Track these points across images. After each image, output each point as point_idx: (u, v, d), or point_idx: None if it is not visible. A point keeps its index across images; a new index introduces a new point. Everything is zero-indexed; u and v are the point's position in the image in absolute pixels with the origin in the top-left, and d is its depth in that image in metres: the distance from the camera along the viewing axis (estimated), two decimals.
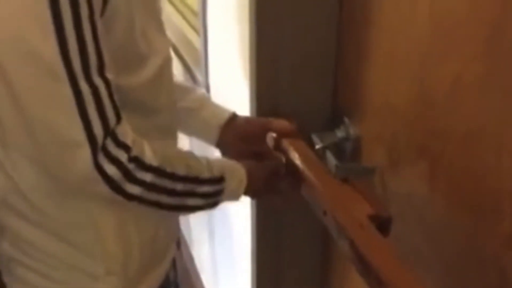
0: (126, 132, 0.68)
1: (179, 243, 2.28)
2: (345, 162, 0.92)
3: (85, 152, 0.65)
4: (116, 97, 0.67)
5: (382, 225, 0.78)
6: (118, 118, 0.67)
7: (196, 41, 1.64)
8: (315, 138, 0.98)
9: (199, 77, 1.51)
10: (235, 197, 0.86)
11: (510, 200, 0.65)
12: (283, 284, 1.23)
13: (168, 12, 2.08)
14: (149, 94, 0.75)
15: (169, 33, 1.92)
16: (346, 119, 1.00)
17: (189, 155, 0.82)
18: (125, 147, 0.68)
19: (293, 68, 1.01)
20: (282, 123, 0.95)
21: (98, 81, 0.63)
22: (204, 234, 1.93)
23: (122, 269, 0.83)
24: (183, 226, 2.27)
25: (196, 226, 2.09)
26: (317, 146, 0.97)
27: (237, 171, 0.84)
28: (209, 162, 0.82)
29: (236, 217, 1.43)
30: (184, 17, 1.92)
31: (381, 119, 0.91)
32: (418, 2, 0.75)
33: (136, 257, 0.84)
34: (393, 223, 0.80)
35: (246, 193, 0.88)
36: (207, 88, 1.45)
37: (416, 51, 0.77)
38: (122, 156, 0.68)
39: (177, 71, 1.83)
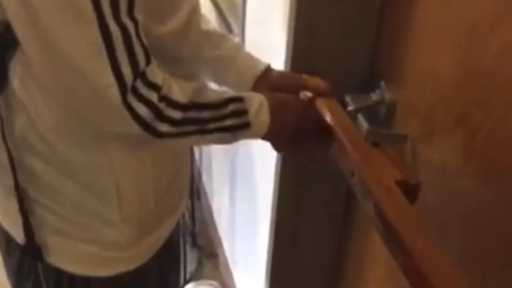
0: (155, 71, 0.67)
1: (199, 194, 2.30)
2: (376, 127, 0.90)
3: (114, 92, 0.64)
4: (144, 38, 0.65)
5: (410, 191, 0.76)
6: (148, 59, 0.66)
7: None
8: (348, 99, 0.96)
9: (235, 27, 1.48)
10: (262, 121, 0.80)
11: None
12: (300, 245, 1.23)
13: None
14: (175, 43, 0.74)
15: None
16: (382, 83, 0.97)
17: (209, 85, 0.81)
18: (155, 87, 0.67)
19: (333, 25, 0.98)
20: (317, 82, 0.92)
21: (127, 21, 0.62)
22: (225, 188, 1.94)
23: (137, 216, 0.83)
24: (205, 176, 2.29)
25: (217, 178, 2.10)
26: (350, 108, 0.95)
27: (253, 94, 0.82)
28: (225, 90, 0.81)
29: (259, 174, 1.43)
30: None
31: (420, 86, 0.88)
32: None
33: (151, 204, 0.84)
34: (422, 192, 0.78)
35: (273, 117, 0.81)
36: (243, 39, 1.42)
37: (465, 19, 0.73)
38: (153, 96, 0.67)
39: (211, 18, 1.81)
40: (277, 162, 1.13)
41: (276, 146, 0.90)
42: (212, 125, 0.75)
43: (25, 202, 0.80)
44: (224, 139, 0.79)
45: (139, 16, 0.64)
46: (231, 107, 0.76)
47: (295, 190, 1.16)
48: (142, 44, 0.65)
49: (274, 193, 1.16)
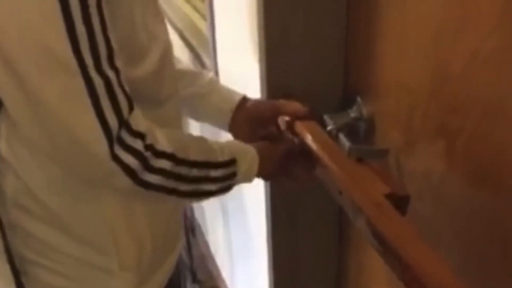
0: (139, 119, 0.68)
1: (194, 230, 2.29)
2: (358, 143, 0.90)
3: (102, 145, 0.64)
4: (127, 86, 0.66)
5: (400, 203, 0.76)
6: (131, 107, 0.66)
7: (203, 25, 1.62)
8: (327, 119, 0.97)
9: (207, 61, 1.50)
10: (248, 179, 0.85)
11: None
12: (299, 266, 1.23)
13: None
14: (152, 86, 0.74)
15: (175, 18, 1.91)
16: (358, 99, 0.98)
17: (200, 139, 0.81)
18: (140, 135, 0.67)
19: (303, 47, 0.99)
20: (294, 106, 0.94)
21: (109, 71, 0.62)
22: (219, 219, 1.93)
23: (136, 263, 0.82)
24: (197, 214, 2.28)
25: (210, 212, 2.10)
26: (329, 127, 0.96)
27: (248, 152, 0.84)
28: (220, 146, 0.81)
29: (250, 200, 1.43)
30: (189, 1, 1.91)
31: (395, 98, 0.89)
32: None
33: (149, 250, 0.83)
34: (411, 203, 0.79)
35: (260, 174, 0.87)
36: (216, 72, 1.44)
37: (430, 27, 0.75)
38: (138, 145, 0.67)
39: (184, 57, 1.82)
40: (266, 187, 1.13)
41: (263, 178, 0.92)
42: (201, 186, 0.76)
43: (16, 263, 0.79)
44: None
45: (120, 64, 0.64)
46: (221, 171, 0.78)
47: (288, 212, 1.16)
48: (125, 92, 0.65)
49: (267, 217, 1.16)
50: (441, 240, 0.82)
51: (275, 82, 1.02)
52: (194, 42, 1.65)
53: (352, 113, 0.99)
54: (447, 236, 0.81)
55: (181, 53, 1.83)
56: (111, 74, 0.63)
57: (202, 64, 1.54)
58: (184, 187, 0.74)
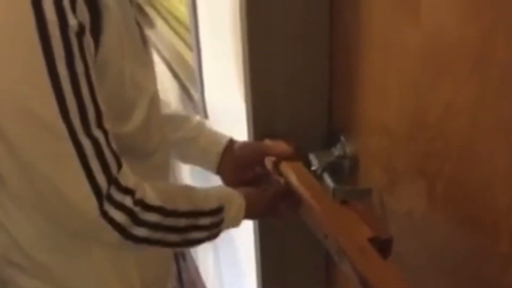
0: (127, 176, 0.69)
1: (184, 255, 2.29)
2: (342, 183, 0.93)
3: (91, 203, 0.65)
4: (114, 144, 0.68)
5: (383, 246, 0.79)
6: (119, 164, 0.68)
7: (190, 57, 1.64)
8: (312, 157, 1.00)
9: (195, 95, 1.52)
10: (235, 224, 0.87)
11: (507, 220, 0.66)
12: (288, 281, 1.24)
13: (161, 28, 2.09)
14: (140, 139, 0.76)
15: (163, 49, 1.93)
16: (342, 138, 1.01)
17: (187, 188, 0.83)
18: (129, 191, 0.69)
19: (288, 87, 1.02)
20: (280, 147, 0.96)
21: (97, 133, 0.64)
22: (209, 245, 1.94)
23: None
24: None
25: None
26: (314, 167, 0.98)
27: (235, 199, 0.86)
28: (207, 193, 0.83)
29: (239, 228, 1.44)
30: (177, 33, 1.93)
31: (376, 139, 0.92)
32: (406, 29, 0.76)
33: None
34: (395, 242, 0.81)
35: (246, 218, 0.89)
36: (204, 107, 1.46)
37: (408, 76, 0.78)
38: (127, 201, 0.68)
39: (173, 90, 1.85)
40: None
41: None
42: (189, 234, 0.78)
43: None
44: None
45: (108, 124, 0.66)
46: (209, 219, 0.80)
47: (277, 241, 1.17)
48: (113, 151, 0.67)
49: (255, 245, 1.18)
50: (424, 278, 0.84)
51: (261, 121, 1.04)
52: (182, 75, 1.67)
53: (336, 152, 1.01)
54: (431, 275, 0.83)
55: (170, 86, 1.86)
56: (99, 135, 0.64)
57: (190, 97, 1.56)
58: (172, 237, 0.76)
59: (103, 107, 0.65)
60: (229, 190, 0.87)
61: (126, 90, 0.72)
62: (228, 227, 0.84)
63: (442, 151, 0.75)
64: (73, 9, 0.59)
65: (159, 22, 2.13)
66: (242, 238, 1.42)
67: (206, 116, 1.45)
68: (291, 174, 0.93)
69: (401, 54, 0.79)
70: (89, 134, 0.64)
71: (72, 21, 0.59)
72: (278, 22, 0.97)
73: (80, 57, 0.61)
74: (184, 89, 1.63)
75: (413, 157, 0.82)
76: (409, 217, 0.86)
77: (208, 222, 0.80)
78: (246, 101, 1.05)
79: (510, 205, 0.65)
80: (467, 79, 0.67)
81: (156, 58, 2.01)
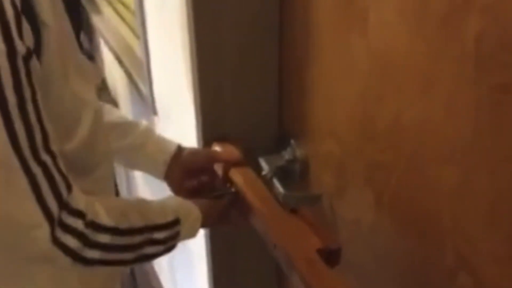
0: (78, 198, 0.67)
1: None
2: (293, 188, 0.93)
3: (43, 229, 0.63)
4: (63, 165, 0.65)
5: (331, 257, 0.79)
6: (69, 186, 0.66)
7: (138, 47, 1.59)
8: (262, 162, 0.99)
9: (143, 89, 1.48)
10: (191, 236, 0.85)
11: (451, 236, 0.68)
12: (239, 282, 1.24)
13: (108, 15, 2.02)
14: (84, 153, 0.74)
15: (110, 38, 1.86)
16: (292, 141, 1.01)
17: (142, 202, 0.81)
18: (79, 214, 0.67)
19: (237, 90, 1.01)
20: (229, 152, 0.95)
21: (45, 157, 0.62)
22: None
23: None
24: None
25: None
26: (264, 171, 0.97)
27: (191, 211, 0.84)
28: (162, 206, 0.81)
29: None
30: (124, 20, 1.87)
31: (326, 144, 0.92)
32: (354, 39, 0.76)
33: None
34: (343, 248, 0.82)
35: (201, 227, 0.88)
36: (153, 102, 1.42)
37: (356, 89, 0.78)
38: (78, 224, 0.66)
39: (122, 83, 1.79)
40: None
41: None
42: (145, 250, 0.76)
43: None
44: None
45: (55, 147, 0.64)
46: (164, 233, 0.78)
47: (228, 240, 1.17)
48: (62, 174, 0.65)
49: (206, 245, 1.17)
50: (372, 285, 0.86)
51: (210, 124, 1.03)
52: (130, 66, 1.62)
53: (287, 155, 1.01)
54: (378, 283, 0.85)
55: (119, 78, 1.81)
56: (47, 159, 0.62)
57: (139, 92, 1.52)
58: (126, 256, 0.74)
59: (49, 129, 0.63)
60: (185, 203, 0.85)
61: (69, 107, 0.69)
62: (184, 239, 0.83)
63: (390, 162, 0.75)
64: (20, 35, 0.57)
65: (105, 8, 2.06)
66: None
67: (155, 112, 1.42)
68: (241, 180, 0.92)
69: (349, 64, 0.79)
70: (38, 160, 0.61)
71: (20, 48, 0.57)
72: (228, 21, 0.94)
73: (27, 82, 0.59)
74: (132, 82, 1.58)
75: (361, 166, 0.83)
76: (357, 225, 0.87)
77: (163, 236, 0.78)
78: (195, 103, 1.03)
79: (454, 222, 0.66)
80: (414, 96, 0.67)
81: (103, 48, 1.95)
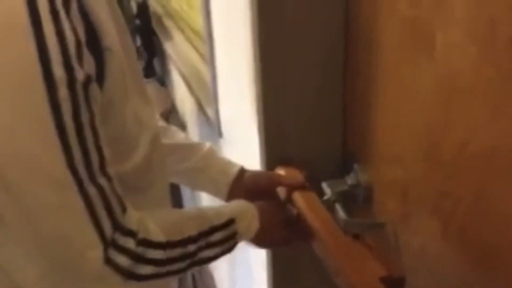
0: (130, 217, 0.69)
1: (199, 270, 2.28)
2: (356, 213, 0.92)
3: (97, 251, 0.65)
4: (118, 187, 0.67)
5: (395, 285, 0.77)
6: (123, 208, 0.67)
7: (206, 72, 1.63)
8: (325, 187, 0.98)
9: (209, 112, 1.51)
10: (250, 234, 0.85)
11: None
12: None
13: (178, 41, 2.09)
14: (142, 173, 0.75)
15: (180, 63, 1.92)
16: (356, 166, 0.99)
17: (196, 210, 0.82)
18: (132, 233, 0.68)
19: (301, 114, 1.01)
20: (292, 176, 0.95)
21: (102, 180, 0.64)
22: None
23: None
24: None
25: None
26: (327, 196, 0.97)
27: (247, 209, 0.85)
28: (217, 210, 0.82)
29: (253, 259, 1.43)
30: (194, 46, 1.92)
31: (391, 170, 0.90)
32: (420, 65, 0.74)
33: None
34: (408, 276, 0.80)
35: (260, 233, 0.87)
36: (218, 125, 1.45)
37: (421, 114, 0.76)
38: (130, 243, 0.68)
39: (189, 105, 1.84)
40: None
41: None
42: (201, 254, 0.76)
43: None
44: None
45: (112, 170, 0.65)
46: (218, 235, 0.79)
47: (289, 260, 1.16)
48: (117, 196, 0.66)
49: (268, 258, 1.16)
50: None
51: (274, 148, 1.03)
52: (197, 90, 1.67)
53: (350, 180, 1.00)
54: None
55: (187, 101, 1.85)
56: (103, 182, 0.64)
57: (205, 115, 1.56)
58: (181, 265, 0.74)
59: (106, 153, 0.65)
60: (241, 202, 0.86)
61: (129, 129, 0.71)
62: (242, 237, 0.83)
63: (457, 192, 0.73)
64: (80, 63, 0.59)
65: (177, 35, 2.13)
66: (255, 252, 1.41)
67: (220, 134, 1.45)
68: (303, 204, 0.92)
69: (415, 89, 0.77)
70: (94, 182, 0.63)
71: (80, 75, 0.59)
72: (293, 47, 0.95)
73: (86, 107, 0.60)
74: (200, 106, 1.62)
75: (427, 193, 0.80)
76: (422, 254, 0.84)
77: (219, 238, 0.79)
78: (259, 127, 1.04)
79: None
80: (483, 123, 0.65)
81: (174, 73, 2.01)
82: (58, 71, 0.57)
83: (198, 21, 1.89)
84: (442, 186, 0.76)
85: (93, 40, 0.62)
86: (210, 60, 1.40)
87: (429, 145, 0.77)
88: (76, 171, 0.61)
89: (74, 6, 0.59)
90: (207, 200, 1.98)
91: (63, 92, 0.58)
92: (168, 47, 2.13)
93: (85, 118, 0.60)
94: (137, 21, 2.50)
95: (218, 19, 1.33)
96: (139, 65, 0.77)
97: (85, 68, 0.59)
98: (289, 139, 1.03)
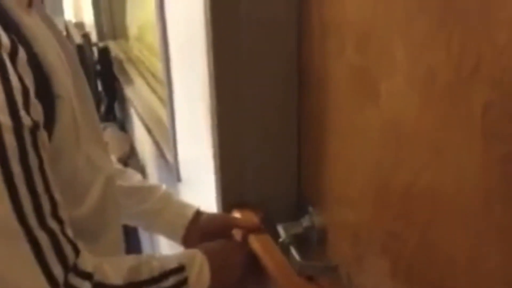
0: (86, 260, 0.68)
1: None
2: (310, 255, 0.93)
3: None
4: (70, 230, 0.67)
5: None
6: (76, 251, 0.67)
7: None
8: (280, 229, 1.00)
9: (168, 155, 1.52)
10: (203, 282, 0.84)
11: None
12: None
13: (139, 86, 2.11)
14: (96, 217, 0.75)
15: (140, 108, 1.94)
16: (311, 208, 1.01)
17: (148, 257, 0.82)
18: (87, 276, 0.67)
19: (257, 158, 1.03)
20: (247, 219, 0.96)
21: (53, 224, 0.63)
22: None
23: None
24: None
25: None
26: (281, 238, 0.98)
27: (195, 255, 0.84)
28: (167, 256, 0.82)
29: None
30: (155, 91, 1.95)
31: (344, 212, 0.92)
32: (367, 111, 0.78)
33: None
34: None
35: (215, 275, 0.86)
36: (177, 169, 1.46)
37: (370, 157, 0.79)
38: (86, 286, 0.67)
39: (149, 149, 1.84)
40: None
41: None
42: None
43: None
44: None
45: (63, 213, 0.65)
46: (171, 280, 0.78)
47: None
48: (69, 240, 0.66)
49: None
50: None
51: (230, 191, 1.05)
52: (157, 134, 1.68)
53: (305, 223, 1.01)
54: None
55: (146, 145, 1.86)
56: (55, 226, 0.63)
57: (164, 158, 1.56)
58: None
59: (58, 197, 0.64)
60: (188, 250, 0.86)
61: (81, 174, 0.71)
62: (196, 285, 0.82)
63: (403, 233, 0.75)
64: (27, 110, 0.59)
65: (137, 79, 2.15)
66: None
67: (179, 178, 1.45)
68: (258, 247, 0.92)
69: (364, 134, 0.80)
70: (45, 227, 0.62)
71: (27, 121, 0.59)
72: (248, 93, 0.98)
73: (34, 153, 0.60)
74: (159, 150, 1.63)
75: (376, 235, 0.83)
76: None
77: (170, 284, 0.78)
78: (216, 171, 1.05)
79: None
80: (425, 165, 0.68)
81: (134, 116, 2.02)
82: (3, 118, 0.57)
83: (158, 66, 1.92)
84: (390, 227, 0.78)
85: (44, 87, 0.62)
86: (169, 104, 1.42)
87: (378, 186, 0.80)
88: (24, 218, 0.60)
89: (21, 56, 0.60)
90: (164, 242, 1.96)
91: (9, 139, 0.57)
92: (129, 92, 2.14)
93: (33, 163, 0.60)
94: (98, 66, 2.51)
95: (176, 64, 1.35)
96: (94, 111, 0.78)
97: (33, 116, 0.59)
98: (245, 183, 1.05)
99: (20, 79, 0.59)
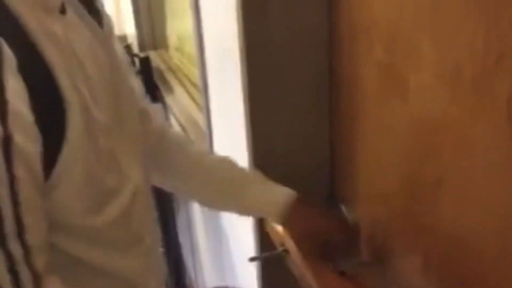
0: None
1: None
2: (343, 253, 0.94)
3: None
4: (41, 260, 0.62)
5: None
6: (37, 283, 0.61)
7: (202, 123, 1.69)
8: None
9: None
10: None
11: None
12: None
13: (179, 94, 2.16)
14: (120, 228, 0.73)
15: (179, 115, 1.98)
16: (342, 206, 1.03)
17: None
18: None
19: (290, 160, 1.05)
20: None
21: (15, 247, 0.59)
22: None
23: None
24: None
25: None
26: None
27: None
28: None
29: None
30: (193, 98, 2.00)
31: (376, 209, 0.94)
32: (396, 107, 0.79)
33: None
34: None
35: None
36: None
37: (400, 152, 0.81)
38: None
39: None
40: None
41: None
42: None
43: None
44: None
45: (35, 239, 0.61)
46: None
47: None
48: (32, 268, 0.61)
49: None
50: None
51: None
52: (195, 140, 1.72)
53: None
54: None
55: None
56: (17, 250, 0.60)
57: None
58: None
59: (30, 221, 0.60)
60: None
61: (103, 181, 0.69)
62: None
63: (434, 227, 0.76)
64: (2, 119, 0.56)
65: (177, 87, 2.20)
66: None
67: None
68: (291, 243, 0.94)
69: (393, 130, 0.82)
70: (3, 248, 0.59)
71: None
72: (281, 95, 1.01)
73: (4, 166, 0.56)
74: None
75: (408, 230, 0.84)
76: None
77: None
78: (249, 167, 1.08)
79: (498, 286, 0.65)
80: (454, 159, 0.69)
81: (173, 122, 2.07)
82: None
83: (197, 75, 1.97)
84: (421, 221, 0.79)
85: (47, 93, 0.61)
86: (205, 109, 1.46)
87: (408, 182, 0.81)
88: None
89: (10, 62, 0.57)
90: (204, 246, 1.99)
91: None
92: (169, 100, 2.20)
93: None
94: (140, 76, 2.58)
95: (212, 72, 1.40)
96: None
97: (11, 126, 0.56)
98: (277, 180, 1.07)
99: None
